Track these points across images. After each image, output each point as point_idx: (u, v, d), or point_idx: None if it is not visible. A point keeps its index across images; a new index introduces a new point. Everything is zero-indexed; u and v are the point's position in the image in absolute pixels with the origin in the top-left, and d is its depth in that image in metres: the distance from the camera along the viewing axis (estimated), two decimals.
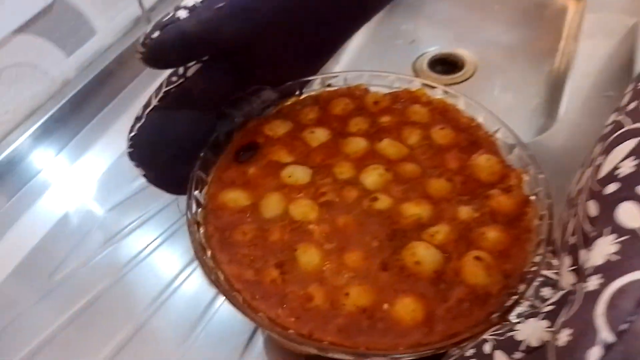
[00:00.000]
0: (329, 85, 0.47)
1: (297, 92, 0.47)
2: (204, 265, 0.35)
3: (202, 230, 0.38)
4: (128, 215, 0.50)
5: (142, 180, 0.39)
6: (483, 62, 0.77)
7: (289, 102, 0.47)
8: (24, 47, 0.52)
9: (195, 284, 0.42)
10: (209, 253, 0.36)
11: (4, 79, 0.50)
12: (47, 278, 0.46)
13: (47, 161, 0.54)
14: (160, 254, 0.46)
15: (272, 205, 0.39)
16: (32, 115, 0.54)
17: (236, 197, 0.39)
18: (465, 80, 0.75)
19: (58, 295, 0.45)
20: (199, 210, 0.39)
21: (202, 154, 0.41)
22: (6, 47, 0.50)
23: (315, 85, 0.47)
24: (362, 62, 0.79)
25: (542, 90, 0.70)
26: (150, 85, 0.61)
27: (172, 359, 0.38)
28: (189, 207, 0.38)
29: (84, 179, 0.54)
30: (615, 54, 0.59)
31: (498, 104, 0.72)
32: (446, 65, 0.78)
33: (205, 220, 0.38)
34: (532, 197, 0.38)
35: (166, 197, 0.47)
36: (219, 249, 0.37)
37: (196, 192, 0.39)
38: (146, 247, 0.46)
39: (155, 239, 0.47)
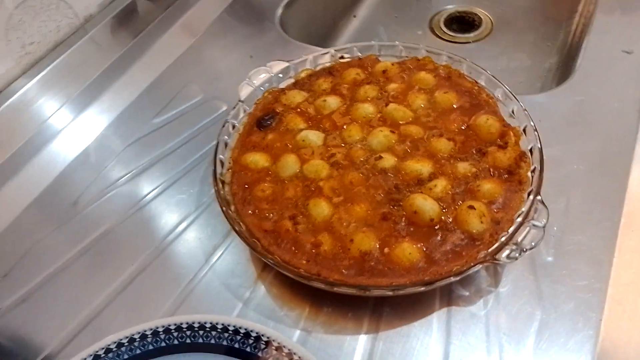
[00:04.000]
0: (341, 57, 0.51)
1: (312, 65, 0.51)
2: (228, 217, 0.40)
3: (226, 188, 0.43)
4: (146, 152, 0.52)
5: (161, 118, 0.42)
6: (500, 21, 0.78)
7: (304, 74, 0.51)
8: None
9: (205, 224, 0.45)
10: (232, 207, 0.41)
11: (29, 9, 0.52)
12: (67, 207, 0.48)
13: (69, 96, 0.56)
14: (176, 190, 0.48)
15: (287, 165, 0.43)
16: (57, 47, 0.56)
17: (257, 159, 0.44)
18: (482, 39, 0.76)
19: (76, 224, 0.47)
20: (224, 171, 0.44)
21: (226, 121, 0.46)
22: None
23: (329, 58, 0.51)
24: (379, 17, 0.81)
25: (558, 50, 0.71)
26: (173, 24, 0.64)
27: (180, 293, 0.41)
28: (214, 168, 0.43)
29: (105, 114, 0.56)
30: (636, 10, 0.59)
31: (513, 63, 0.74)
32: (463, 23, 0.79)
33: (230, 179, 0.43)
34: (527, 152, 0.41)
35: (184, 135, 0.52)
36: (241, 204, 0.41)
37: (221, 156, 0.44)
38: (162, 183, 0.49)
39: (177, 172, 0.49)
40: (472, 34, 0.77)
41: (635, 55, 0.52)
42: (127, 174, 0.51)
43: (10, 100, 0.52)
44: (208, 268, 0.43)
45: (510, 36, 0.76)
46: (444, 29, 0.78)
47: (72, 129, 0.55)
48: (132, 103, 0.57)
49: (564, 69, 0.64)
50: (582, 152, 0.45)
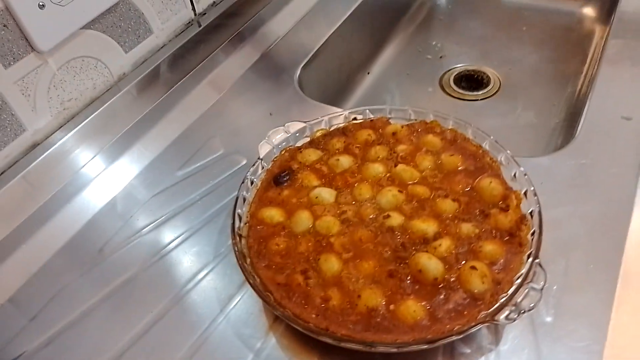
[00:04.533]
0: (354, 118, 0.55)
1: (327, 125, 0.54)
2: (243, 270, 0.43)
3: (243, 241, 0.46)
4: (170, 202, 0.55)
5: (185, 170, 0.45)
6: (508, 80, 0.82)
7: (319, 133, 0.54)
8: (90, 42, 0.58)
9: (222, 273, 0.48)
10: (248, 260, 0.44)
11: (71, 69, 0.57)
12: (92, 256, 0.51)
13: (101, 147, 0.60)
14: (196, 240, 0.51)
15: (301, 221, 0.46)
16: (92, 103, 0.60)
17: (272, 214, 0.47)
18: (490, 97, 0.80)
19: (101, 271, 0.50)
20: (242, 225, 0.47)
21: (245, 177, 0.49)
22: (75, 41, 0.57)
23: (342, 119, 0.55)
24: (391, 74, 0.86)
25: (563, 110, 0.74)
26: (198, 83, 0.68)
27: (195, 340, 0.43)
28: (233, 222, 0.46)
29: (134, 165, 0.60)
30: (637, 78, 0.62)
31: (519, 121, 0.77)
32: (472, 81, 0.83)
33: (247, 233, 0.46)
34: (528, 215, 0.43)
35: (205, 188, 0.56)
36: (257, 257, 0.44)
37: (239, 210, 0.47)
38: (183, 233, 0.52)
39: (198, 222, 0.52)
40: (480, 92, 0.81)
41: (634, 122, 0.54)
42: (150, 223, 0.54)
43: (48, 151, 0.56)
44: (223, 317, 0.45)
45: (517, 95, 0.79)
46: (454, 86, 0.82)
47: (103, 178, 0.59)
48: (159, 155, 0.61)
49: (569, 128, 0.66)
50: (583, 215, 0.47)
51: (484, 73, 0.83)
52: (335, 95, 0.79)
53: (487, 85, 0.82)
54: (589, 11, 0.88)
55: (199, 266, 0.49)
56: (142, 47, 0.65)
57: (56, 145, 0.57)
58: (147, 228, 0.54)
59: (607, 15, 0.83)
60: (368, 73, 0.85)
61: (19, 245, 0.53)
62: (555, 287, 0.42)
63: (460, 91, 0.81)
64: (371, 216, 0.46)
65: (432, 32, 0.93)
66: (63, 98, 0.58)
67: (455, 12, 0.97)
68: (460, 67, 0.85)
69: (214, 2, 0.74)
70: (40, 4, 0.51)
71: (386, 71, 0.86)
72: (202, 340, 0.44)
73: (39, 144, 0.57)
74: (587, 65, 0.76)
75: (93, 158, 0.60)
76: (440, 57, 0.88)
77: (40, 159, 0.55)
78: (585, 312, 0.41)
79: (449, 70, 0.85)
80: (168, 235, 0.53)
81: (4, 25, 0.50)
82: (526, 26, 0.90)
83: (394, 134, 0.52)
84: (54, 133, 0.58)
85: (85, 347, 0.45)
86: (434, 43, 0.91)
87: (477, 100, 0.80)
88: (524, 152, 0.69)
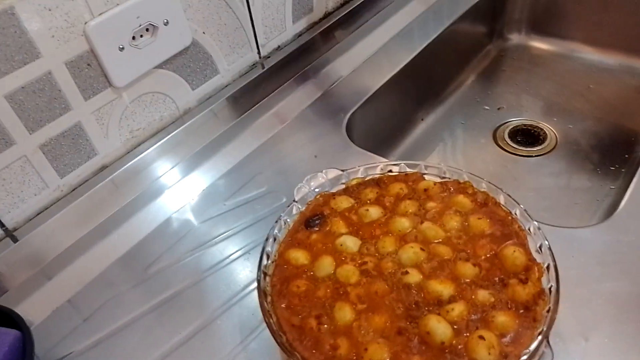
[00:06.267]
0: (390, 171, 0.57)
1: (363, 175, 0.57)
2: (262, 308, 0.45)
3: (267, 279, 0.49)
4: (217, 228, 0.60)
5: (234, 200, 0.51)
6: (566, 138, 0.79)
7: (354, 182, 0.56)
8: (161, 80, 0.64)
9: (247, 306, 0.52)
10: (269, 298, 0.47)
11: (141, 103, 0.63)
12: (143, 270, 0.56)
13: (162, 172, 0.66)
14: (235, 267, 0.56)
15: (323, 266, 0.48)
16: (157, 133, 0.67)
17: (298, 256, 0.50)
18: (544, 154, 0.78)
19: (148, 286, 0.55)
20: (269, 263, 0.50)
21: (279, 217, 0.53)
22: (147, 78, 0.62)
23: (378, 170, 0.57)
24: (447, 120, 0.86)
25: (620, 177, 0.71)
26: (255, 121, 0.73)
27: (224, 357, 0.47)
28: (260, 259, 0.49)
29: (189, 191, 0.65)
30: None
31: (572, 184, 0.74)
32: (527, 136, 0.81)
33: (272, 271, 0.49)
34: (547, 291, 0.43)
35: (248, 219, 0.61)
36: (277, 296, 0.47)
37: (269, 249, 0.50)
38: (225, 258, 0.57)
39: (234, 253, 0.57)
40: (535, 148, 0.79)
41: None
42: (195, 248, 0.59)
43: (115, 174, 0.63)
44: (242, 348, 0.48)
45: (574, 155, 0.77)
46: (508, 140, 0.81)
47: (161, 199, 0.65)
48: (212, 184, 0.66)
49: (620, 198, 0.64)
50: (609, 295, 0.46)
51: (541, 129, 0.82)
52: (385, 142, 0.81)
53: (543, 141, 0.80)
54: None
55: (231, 293, 0.53)
56: (208, 85, 0.71)
57: (122, 169, 0.64)
58: (189, 252, 0.58)
59: None
60: (422, 119, 0.86)
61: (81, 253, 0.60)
62: None
63: (514, 145, 0.80)
64: (390, 270, 0.47)
65: (494, 83, 0.93)
66: (132, 127, 0.65)
67: (520, 64, 0.97)
68: (517, 120, 0.84)
69: (279, 46, 0.79)
70: (120, 46, 0.58)
71: (441, 119, 0.87)
72: None
73: (107, 166, 0.64)
74: None
75: (155, 181, 0.66)
76: (498, 108, 0.87)
77: (107, 180, 0.62)
78: None
79: (505, 123, 0.84)
80: (207, 261, 0.57)
81: (88, 64, 0.57)
82: (593, 84, 0.87)
83: (425, 190, 0.53)
84: (121, 157, 0.65)
85: (127, 354, 0.49)
86: (492, 93, 0.90)
87: (530, 156, 0.79)
88: (569, 217, 0.68)
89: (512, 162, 0.78)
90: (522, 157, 0.79)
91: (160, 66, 0.64)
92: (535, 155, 0.78)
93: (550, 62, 0.95)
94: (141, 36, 0.60)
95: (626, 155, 0.74)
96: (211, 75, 0.71)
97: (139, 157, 0.65)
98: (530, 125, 0.83)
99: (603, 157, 0.75)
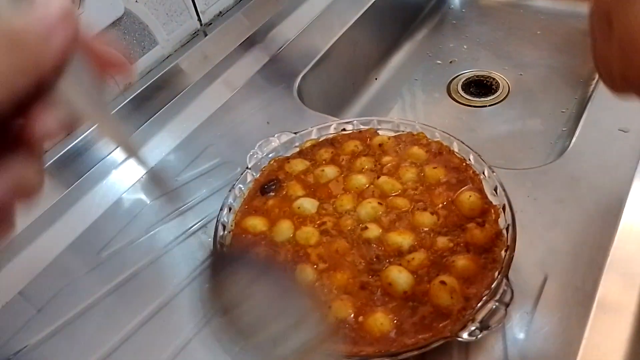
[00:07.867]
0: (343, 130, 0.55)
1: (316, 136, 0.55)
2: None
3: (225, 249, 0.47)
4: (171, 204, 0.57)
5: (186, 175, 0.50)
6: (517, 86, 0.80)
7: (308, 144, 0.55)
8: None
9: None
10: None
11: None
12: (96, 254, 0.54)
13: (107, 153, 0.63)
14: (193, 241, 0.54)
15: (282, 231, 0.47)
16: None
17: (256, 224, 0.49)
18: (497, 103, 0.78)
19: (104, 269, 0.53)
20: (226, 233, 0.49)
21: (233, 186, 0.51)
22: None
23: (332, 130, 0.55)
24: (400, 78, 0.85)
25: (571, 118, 0.72)
26: (202, 91, 0.70)
27: (188, 332, 0.46)
28: (215, 230, 0.48)
29: (138, 170, 0.61)
30: None
31: (526, 128, 0.75)
32: (480, 87, 0.81)
33: (229, 241, 0.48)
34: (504, 231, 0.43)
35: (203, 192, 0.58)
36: None
37: (224, 219, 0.49)
38: (182, 234, 0.54)
39: (191, 228, 0.55)
40: (488, 98, 0.80)
41: (631, 135, 0.53)
42: (149, 227, 0.57)
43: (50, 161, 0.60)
44: (205, 322, 0.47)
45: (527, 101, 0.78)
46: (461, 92, 0.81)
47: (109, 180, 0.62)
48: (162, 159, 0.64)
49: (571, 139, 0.65)
50: (566, 231, 0.46)
51: (493, 79, 0.82)
52: (340, 103, 0.79)
53: (495, 91, 0.80)
54: None
55: (189, 269, 0.51)
56: (148, 58, 0.67)
57: (61, 154, 0.60)
58: (145, 230, 0.56)
59: None
60: (375, 79, 0.85)
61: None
62: (529, 305, 0.42)
63: (468, 97, 0.80)
64: (350, 227, 0.46)
65: (444, 37, 0.92)
66: None
67: (469, 15, 0.96)
68: (469, 72, 0.84)
69: (220, 12, 0.76)
70: None
71: (394, 77, 0.86)
72: (185, 341, 0.46)
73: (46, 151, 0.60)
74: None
75: (100, 162, 0.63)
76: (450, 62, 0.87)
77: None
78: (558, 332, 0.40)
79: (458, 76, 0.84)
80: (163, 238, 0.55)
81: None
82: (541, 30, 0.88)
83: (380, 145, 0.53)
84: (59, 142, 0.61)
85: (84, 341, 0.47)
86: (444, 47, 0.90)
87: (484, 106, 0.79)
88: (526, 161, 0.69)
89: (467, 114, 0.78)
90: (476, 108, 0.79)
91: None
92: (489, 105, 0.79)
93: (498, 12, 0.94)
94: None
95: (575, 98, 0.75)
96: (150, 46, 0.67)
97: (79, 139, 0.61)
98: (483, 76, 0.83)
99: (554, 101, 0.76)
